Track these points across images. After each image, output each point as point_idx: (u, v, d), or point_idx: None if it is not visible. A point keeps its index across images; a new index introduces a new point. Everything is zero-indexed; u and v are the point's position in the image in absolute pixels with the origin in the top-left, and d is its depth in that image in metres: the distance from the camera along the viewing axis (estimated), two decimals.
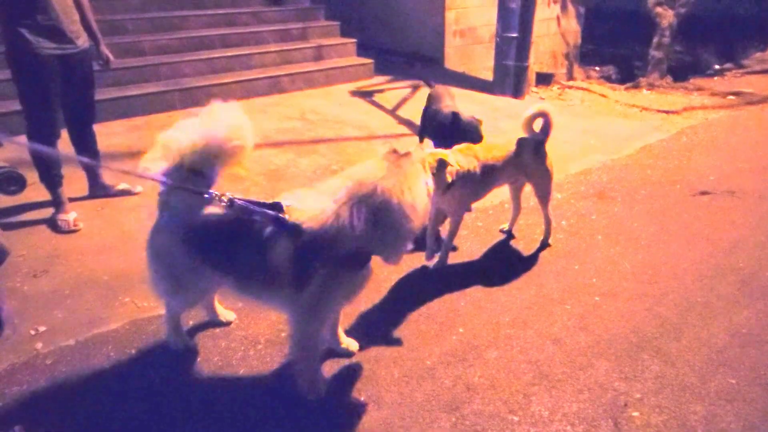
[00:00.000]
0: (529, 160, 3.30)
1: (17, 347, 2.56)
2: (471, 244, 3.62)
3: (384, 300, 3.02)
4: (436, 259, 3.30)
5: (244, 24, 7.44)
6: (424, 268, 3.30)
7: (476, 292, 3.09)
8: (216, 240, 2.10)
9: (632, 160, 5.25)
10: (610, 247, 3.61)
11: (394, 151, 2.05)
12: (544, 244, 3.59)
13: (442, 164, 2.85)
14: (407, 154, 2.05)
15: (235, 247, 2.07)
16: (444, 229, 3.45)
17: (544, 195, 3.45)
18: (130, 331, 2.69)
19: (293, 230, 1.94)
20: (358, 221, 1.88)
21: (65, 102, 3.65)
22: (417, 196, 1.96)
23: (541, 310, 2.93)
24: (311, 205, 1.99)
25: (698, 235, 3.78)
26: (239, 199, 2.05)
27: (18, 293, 2.92)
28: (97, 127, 4.87)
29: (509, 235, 3.73)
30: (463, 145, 3.20)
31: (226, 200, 2.04)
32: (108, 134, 5.22)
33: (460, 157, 3.04)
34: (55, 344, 2.58)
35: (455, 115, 3.76)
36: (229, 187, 4.35)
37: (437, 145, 4.10)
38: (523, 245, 3.63)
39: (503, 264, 3.41)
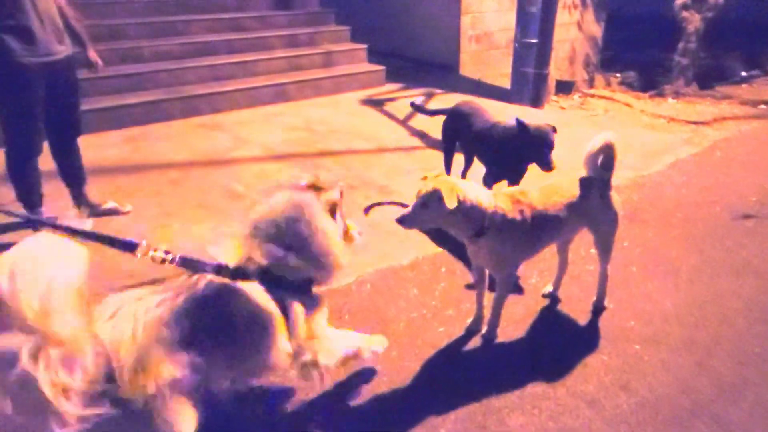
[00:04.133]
0: (595, 204, 2.66)
1: None
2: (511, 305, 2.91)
3: (389, 343, 2.65)
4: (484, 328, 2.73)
5: (251, 29, 7.14)
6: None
7: (499, 338, 2.71)
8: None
9: (663, 177, 4.84)
10: (646, 281, 3.20)
11: (312, 185, 2.03)
12: (599, 308, 2.92)
13: (433, 195, 2.23)
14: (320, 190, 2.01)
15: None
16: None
17: (606, 247, 2.80)
18: None
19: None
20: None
21: (49, 113, 3.36)
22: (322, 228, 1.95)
23: (573, 362, 2.54)
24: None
25: (746, 267, 3.37)
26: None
27: None
28: (90, 138, 4.58)
29: (554, 299, 3.04)
30: (517, 189, 2.61)
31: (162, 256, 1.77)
32: (101, 146, 4.93)
33: (501, 201, 2.44)
34: None
35: (522, 124, 3.05)
36: (226, 206, 4.09)
37: (495, 169, 3.47)
38: (569, 308, 2.98)
39: (528, 305, 3.01)
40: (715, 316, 2.89)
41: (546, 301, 3.01)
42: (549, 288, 3.08)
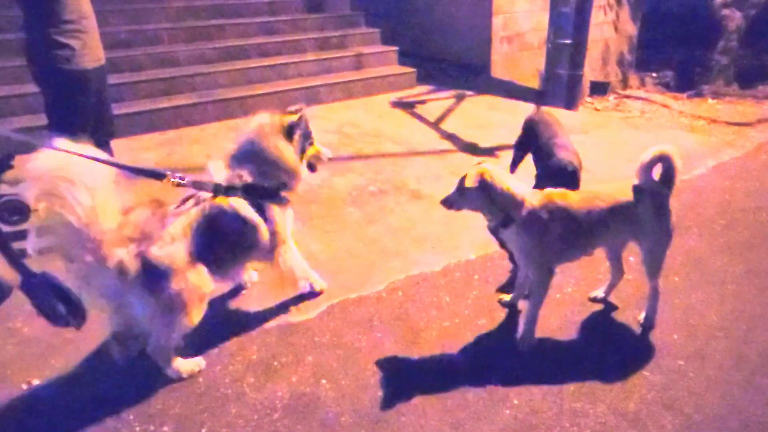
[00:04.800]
0: (645, 216, 2.57)
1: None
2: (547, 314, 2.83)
3: (420, 352, 2.61)
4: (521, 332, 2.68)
5: (282, 32, 7.17)
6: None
7: (534, 349, 2.63)
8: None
9: (705, 182, 4.66)
10: (690, 293, 3.07)
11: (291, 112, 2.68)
12: (648, 326, 2.77)
13: (462, 181, 2.45)
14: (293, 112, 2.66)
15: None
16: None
17: (655, 263, 2.68)
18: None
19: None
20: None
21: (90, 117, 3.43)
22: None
23: (614, 377, 2.44)
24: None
25: None
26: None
27: (16, 335, 2.64)
28: (126, 141, 4.68)
29: (605, 303, 2.96)
30: (558, 190, 2.57)
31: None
32: (138, 149, 5.01)
33: (533, 196, 2.47)
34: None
35: (574, 173, 2.99)
36: None
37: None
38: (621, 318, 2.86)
39: (565, 317, 2.92)
40: (764, 330, 2.75)
41: (583, 312, 2.92)
42: (599, 293, 2.98)
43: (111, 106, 3.67)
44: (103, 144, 3.63)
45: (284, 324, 2.78)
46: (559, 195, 2.53)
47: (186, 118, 5.69)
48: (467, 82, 7.46)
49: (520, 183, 2.51)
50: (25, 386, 2.36)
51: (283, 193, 2.60)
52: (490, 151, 5.15)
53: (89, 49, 3.25)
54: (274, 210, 2.55)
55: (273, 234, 2.55)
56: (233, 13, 7.10)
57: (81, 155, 1.97)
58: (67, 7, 3.10)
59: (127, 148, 4.75)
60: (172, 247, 2.20)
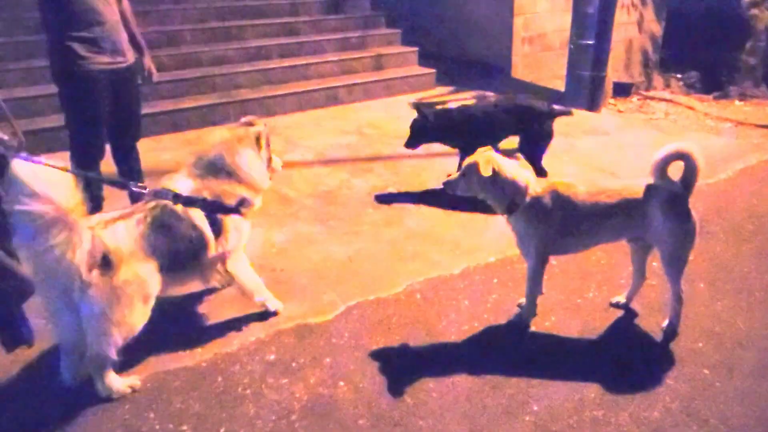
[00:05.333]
0: (657, 216, 2.51)
1: None
2: (567, 319, 2.85)
3: (438, 356, 2.59)
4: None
5: (303, 33, 7.20)
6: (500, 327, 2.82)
7: (554, 355, 2.60)
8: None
9: (732, 186, 4.55)
10: (715, 300, 3.00)
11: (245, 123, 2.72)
12: (672, 333, 2.70)
13: (472, 166, 2.55)
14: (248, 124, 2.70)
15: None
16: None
17: (674, 265, 2.60)
18: (152, 388, 2.39)
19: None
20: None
21: (111, 120, 3.48)
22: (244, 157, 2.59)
23: (636, 385, 2.39)
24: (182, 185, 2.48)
25: None
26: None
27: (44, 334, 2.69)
28: (148, 142, 4.72)
29: (627, 309, 2.91)
30: (565, 180, 2.66)
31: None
32: (159, 149, 5.07)
33: (536, 184, 2.57)
34: None
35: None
36: (276, 210, 4.12)
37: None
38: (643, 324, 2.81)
39: (585, 323, 2.88)
40: None
41: (604, 317, 2.87)
42: (620, 298, 2.93)
43: (138, 108, 3.68)
44: (130, 145, 3.70)
45: (302, 325, 2.78)
46: (563, 185, 2.61)
47: (208, 118, 5.74)
48: (488, 83, 7.40)
49: (525, 170, 2.59)
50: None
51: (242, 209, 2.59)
52: (510, 152, 5.08)
53: (103, 52, 3.28)
54: (230, 224, 2.55)
55: (223, 249, 2.56)
56: (255, 14, 7.14)
57: (46, 165, 2.01)
58: (82, 12, 3.15)
59: (149, 148, 4.79)
60: (123, 233, 2.22)
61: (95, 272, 2.09)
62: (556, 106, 4.57)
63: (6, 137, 3.21)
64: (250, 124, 2.71)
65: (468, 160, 2.61)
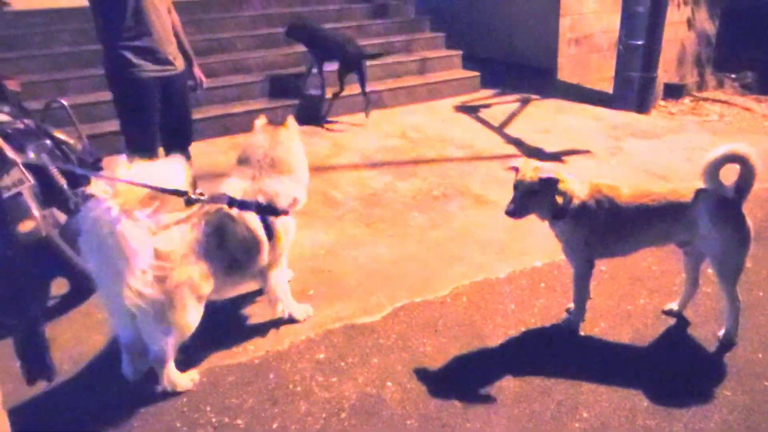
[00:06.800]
0: (704, 222, 2.43)
1: None
2: (617, 326, 2.80)
3: (485, 359, 2.60)
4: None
5: None
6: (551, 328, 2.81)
7: (603, 362, 2.56)
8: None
9: None
10: None
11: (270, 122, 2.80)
12: (729, 342, 2.60)
13: (548, 183, 2.45)
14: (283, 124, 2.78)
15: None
16: None
17: (726, 273, 2.50)
18: (208, 383, 2.49)
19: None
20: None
21: (164, 124, 3.66)
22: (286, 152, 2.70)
23: (691, 396, 2.34)
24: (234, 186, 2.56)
25: None
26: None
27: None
28: (201, 145, 4.90)
29: (680, 317, 2.83)
30: (608, 182, 2.61)
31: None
32: (211, 152, 5.25)
33: (581, 187, 2.53)
34: None
35: None
36: (324, 212, 4.20)
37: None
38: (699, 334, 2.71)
39: (636, 330, 2.82)
40: None
41: (656, 325, 2.80)
42: (673, 306, 2.86)
43: (189, 113, 3.85)
44: (182, 147, 3.86)
45: (350, 325, 2.84)
46: (607, 186, 2.56)
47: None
48: (533, 85, 7.33)
49: (569, 175, 2.55)
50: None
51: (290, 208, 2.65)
52: (556, 156, 5.04)
53: (154, 61, 3.44)
54: (281, 226, 2.61)
55: (274, 251, 2.62)
56: None
57: (118, 180, 2.06)
58: (134, 23, 3.33)
59: (202, 152, 4.97)
60: (177, 237, 2.26)
61: (150, 275, 2.12)
62: None
63: (71, 141, 3.43)
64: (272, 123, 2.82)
65: (526, 178, 2.49)
